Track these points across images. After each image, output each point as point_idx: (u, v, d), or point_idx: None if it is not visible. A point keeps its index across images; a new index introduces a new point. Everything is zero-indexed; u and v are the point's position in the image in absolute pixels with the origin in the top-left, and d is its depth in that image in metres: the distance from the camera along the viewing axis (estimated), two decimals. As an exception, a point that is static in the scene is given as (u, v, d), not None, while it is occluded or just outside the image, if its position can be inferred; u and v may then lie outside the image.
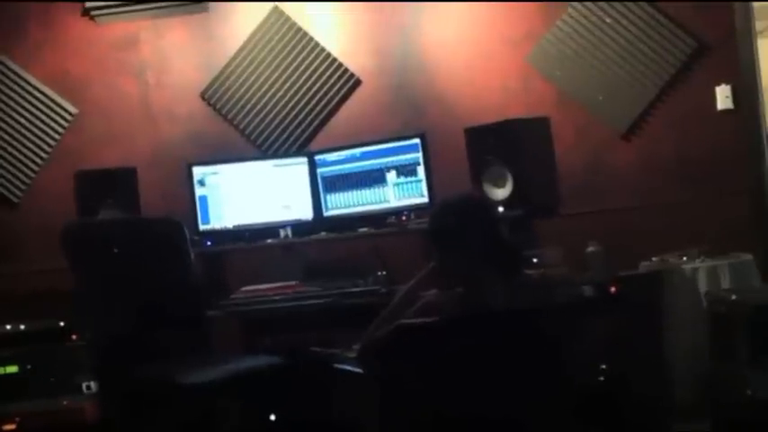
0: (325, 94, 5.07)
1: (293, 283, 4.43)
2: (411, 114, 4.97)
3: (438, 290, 3.05)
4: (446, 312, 2.87)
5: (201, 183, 4.67)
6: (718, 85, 4.78)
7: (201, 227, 4.63)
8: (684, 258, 4.33)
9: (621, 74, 4.85)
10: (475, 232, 2.94)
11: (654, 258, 4.39)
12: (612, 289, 4.01)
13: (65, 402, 4.05)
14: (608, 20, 4.84)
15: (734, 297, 3.85)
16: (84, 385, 4.09)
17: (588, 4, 4.86)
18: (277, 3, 5.07)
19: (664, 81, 4.82)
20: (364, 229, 4.54)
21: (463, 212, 2.99)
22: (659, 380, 3.97)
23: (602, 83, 4.86)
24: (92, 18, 5.13)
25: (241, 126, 5.13)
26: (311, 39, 5.07)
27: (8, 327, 4.19)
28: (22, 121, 5.11)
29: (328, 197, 4.64)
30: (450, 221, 2.98)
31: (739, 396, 3.62)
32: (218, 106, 5.14)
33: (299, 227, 4.67)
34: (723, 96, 4.76)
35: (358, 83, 5.07)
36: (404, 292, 3.16)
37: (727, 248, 4.40)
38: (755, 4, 4.84)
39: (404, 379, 2.78)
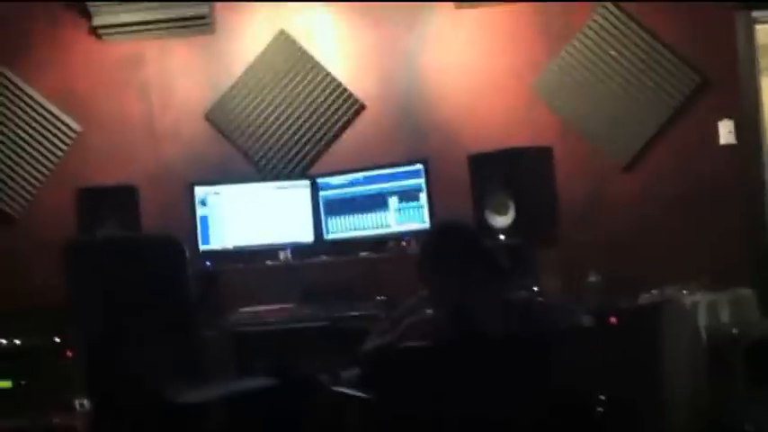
0: (329, 118, 5.08)
1: (291, 305, 4.42)
2: (415, 140, 4.98)
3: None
4: (435, 333, 2.91)
5: (203, 203, 4.67)
6: (721, 120, 4.79)
7: (202, 247, 4.62)
8: (684, 291, 4.31)
9: (625, 106, 4.86)
10: (465, 255, 3.01)
11: (654, 291, 4.38)
12: (612, 320, 3.99)
13: (57, 420, 4.01)
14: (612, 52, 4.87)
15: (734, 331, 3.84)
16: (77, 402, 4.05)
17: (593, 35, 4.88)
18: (284, 26, 5.09)
19: (667, 115, 4.83)
20: (365, 254, 4.53)
21: (453, 237, 3.08)
22: (657, 412, 3.94)
23: (605, 114, 4.88)
24: (98, 36, 5.15)
25: (244, 148, 5.13)
26: (317, 63, 5.09)
27: (3, 341, 4.15)
28: (25, 136, 5.11)
29: (329, 220, 4.64)
30: (441, 246, 3.07)
31: (738, 430, 3.59)
32: (221, 128, 5.14)
33: (299, 249, 4.67)
34: (726, 131, 4.77)
35: (362, 108, 5.09)
36: (392, 318, 3.18)
37: (727, 282, 4.39)
38: (760, 42, 4.87)
39: (396, 398, 2.79)
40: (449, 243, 3.07)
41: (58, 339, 4.14)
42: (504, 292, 3.10)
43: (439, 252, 3.06)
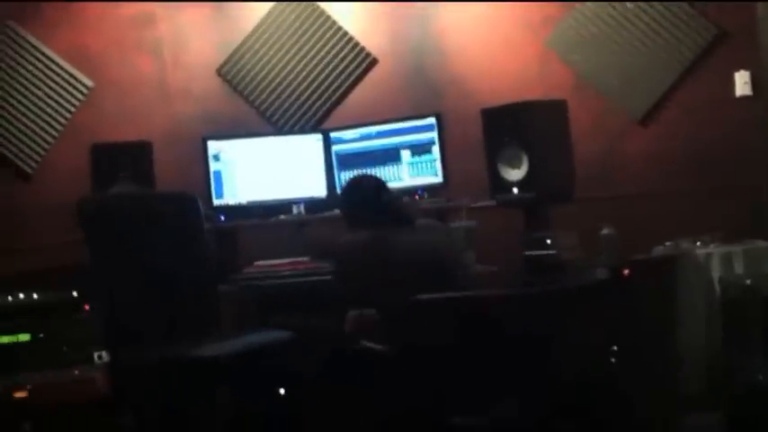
0: (341, 72, 5.06)
1: (305, 259, 4.43)
2: (427, 95, 4.96)
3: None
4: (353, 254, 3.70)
5: (216, 158, 4.68)
6: (737, 71, 4.74)
7: (215, 202, 4.64)
8: (698, 244, 4.30)
9: (640, 59, 4.82)
10: (377, 198, 3.71)
11: (667, 243, 4.37)
12: (626, 272, 3.99)
13: (76, 372, 4.05)
14: (629, 4, 4.81)
15: (748, 282, 3.83)
16: (95, 355, 4.09)
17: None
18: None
19: (683, 67, 4.79)
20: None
21: (366, 185, 3.80)
22: (671, 365, 3.96)
23: (621, 68, 4.84)
24: (111, -7, 5.14)
25: (257, 103, 5.13)
26: (328, 17, 5.06)
27: (22, 296, 4.19)
28: (39, 93, 5.12)
29: (342, 174, 4.64)
30: (354, 193, 3.81)
31: (752, 382, 3.60)
32: (234, 83, 5.14)
33: (312, 203, 4.68)
34: (742, 82, 4.73)
35: (374, 62, 5.06)
36: None
37: (742, 235, 4.36)
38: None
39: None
40: (360, 190, 3.78)
41: (75, 293, 4.18)
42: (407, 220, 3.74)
43: (354, 196, 3.79)
